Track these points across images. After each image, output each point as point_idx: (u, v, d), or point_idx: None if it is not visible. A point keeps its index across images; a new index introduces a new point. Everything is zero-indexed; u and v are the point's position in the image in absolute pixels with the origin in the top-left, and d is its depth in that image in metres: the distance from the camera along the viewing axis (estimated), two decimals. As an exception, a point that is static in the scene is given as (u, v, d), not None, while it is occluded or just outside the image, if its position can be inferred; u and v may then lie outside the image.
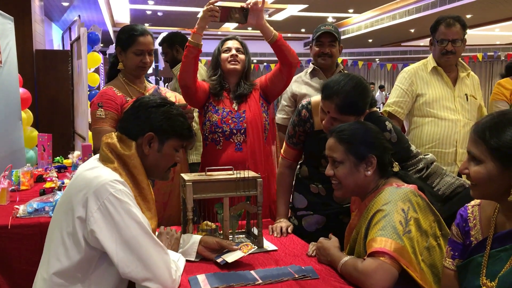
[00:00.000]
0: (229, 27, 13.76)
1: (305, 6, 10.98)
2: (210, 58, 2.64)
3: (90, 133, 4.75)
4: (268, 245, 1.90)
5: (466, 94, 2.69)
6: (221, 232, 1.90)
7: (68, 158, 3.64)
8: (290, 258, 1.76)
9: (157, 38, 4.66)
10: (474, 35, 13.39)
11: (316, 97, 2.15)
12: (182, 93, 2.42)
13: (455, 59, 2.69)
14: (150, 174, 1.63)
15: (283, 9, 11.52)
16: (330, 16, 12.51)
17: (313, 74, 2.87)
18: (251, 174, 1.89)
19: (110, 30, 12.00)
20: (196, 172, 2.03)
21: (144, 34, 2.39)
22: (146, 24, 13.07)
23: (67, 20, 9.60)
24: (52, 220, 1.57)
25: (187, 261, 1.67)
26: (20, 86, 4.18)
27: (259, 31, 2.36)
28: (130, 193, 1.49)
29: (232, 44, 2.49)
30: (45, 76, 5.74)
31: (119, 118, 2.28)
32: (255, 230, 1.93)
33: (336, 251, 1.66)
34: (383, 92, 17.28)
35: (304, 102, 2.20)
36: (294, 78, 2.93)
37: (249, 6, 2.26)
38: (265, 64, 14.86)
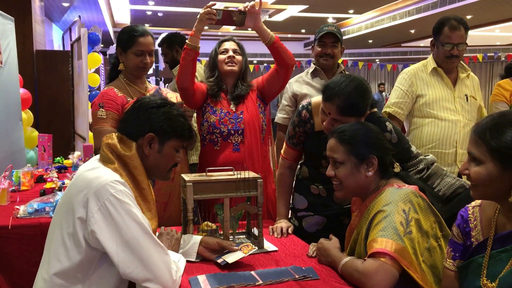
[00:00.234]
0: (230, 28, 13.76)
1: (305, 6, 10.98)
2: (209, 59, 2.65)
3: (90, 133, 4.76)
4: (268, 245, 1.90)
5: (466, 95, 2.69)
6: (222, 232, 1.90)
7: (68, 158, 3.64)
8: (291, 259, 1.76)
9: (157, 38, 4.65)
10: (474, 36, 13.39)
11: (317, 98, 2.16)
12: (180, 95, 2.43)
13: (458, 62, 2.69)
14: (151, 175, 1.63)
15: (283, 9, 11.52)
16: (330, 17, 12.50)
17: (314, 74, 2.88)
18: (252, 174, 1.89)
19: (111, 30, 12.00)
20: (196, 173, 2.03)
21: (144, 35, 2.40)
22: (147, 25, 13.06)
23: (67, 21, 9.60)
24: (52, 221, 1.57)
25: (187, 261, 1.67)
26: (20, 86, 4.18)
27: (258, 32, 2.37)
28: (131, 194, 1.49)
29: (229, 45, 2.51)
30: (45, 76, 5.74)
31: (120, 118, 2.28)
32: (256, 231, 1.93)
33: (336, 251, 1.66)
34: (383, 93, 17.27)
35: (304, 102, 2.20)
36: (295, 78, 2.94)
37: (247, 9, 2.27)
38: (265, 64, 14.86)
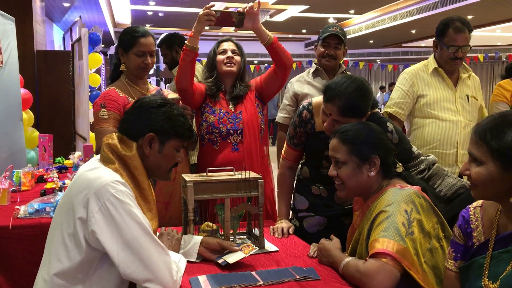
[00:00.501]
0: (230, 28, 13.76)
1: (306, 7, 10.98)
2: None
3: (91, 133, 4.76)
4: (269, 246, 1.90)
5: (467, 95, 2.69)
6: (222, 233, 1.90)
7: (69, 158, 3.64)
8: (291, 259, 1.76)
9: (158, 39, 4.66)
10: (475, 36, 13.33)
11: (317, 98, 2.15)
12: (179, 96, 2.43)
13: (461, 63, 2.69)
14: (151, 175, 1.63)
15: (284, 10, 11.52)
16: (331, 17, 12.50)
17: (315, 74, 2.88)
18: (252, 175, 1.89)
19: (111, 31, 12.01)
20: (196, 173, 2.03)
21: (145, 36, 2.40)
22: (147, 25, 13.08)
23: (68, 21, 9.61)
24: (53, 221, 1.57)
25: (188, 262, 1.67)
26: (21, 86, 4.18)
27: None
28: (131, 194, 1.49)
29: (228, 46, 2.51)
30: (46, 76, 5.73)
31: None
32: (256, 231, 1.93)
33: (337, 252, 1.65)
34: (384, 93, 17.26)
35: (305, 103, 2.20)
36: (297, 77, 2.94)
37: (245, 10, 2.28)
38: (266, 65, 14.86)
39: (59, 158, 3.84)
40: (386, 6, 11.31)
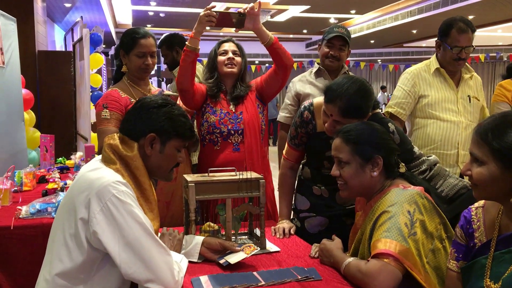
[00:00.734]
0: (231, 28, 13.77)
1: (307, 7, 10.98)
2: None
3: (92, 134, 4.76)
4: (270, 246, 1.90)
5: (468, 96, 2.68)
6: (224, 233, 1.90)
7: (70, 159, 3.64)
8: (293, 260, 1.76)
9: (159, 39, 4.67)
10: (476, 36, 13.33)
11: (319, 99, 2.15)
12: (180, 97, 2.44)
13: (464, 64, 2.69)
14: (153, 175, 1.63)
15: (285, 10, 11.52)
16: (332, 17, 12.50)
17: (318, 74, 2.88)
18: (254, 175, 1.89)
19: (112, 31, 12.01)
20: (197, 173, 2.03)
21: (146, 37, 2.41)
22: (148, 25, 13.10)
23: (69, 21, 9.61)
24: (54, 221, 1.57)
25: (189, 262, 1.67)
26: (22, 87, 4.19)
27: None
28: (133, 194, 1.49)
29: (229, 46, 2.52)
30: (47, 77, 5.74)
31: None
32: (258, 231, 1.93)
33: (339, 252, 1.65)
34: (385, 93, 17.26)
35: (306, 103, 2.20)
36: (299, 77, 2.94)
37: (246, 11, 2.28)
38: (267, 65, 14.86)
39: (60, 158, 3.84)
40: (387, 6, 11.30)
